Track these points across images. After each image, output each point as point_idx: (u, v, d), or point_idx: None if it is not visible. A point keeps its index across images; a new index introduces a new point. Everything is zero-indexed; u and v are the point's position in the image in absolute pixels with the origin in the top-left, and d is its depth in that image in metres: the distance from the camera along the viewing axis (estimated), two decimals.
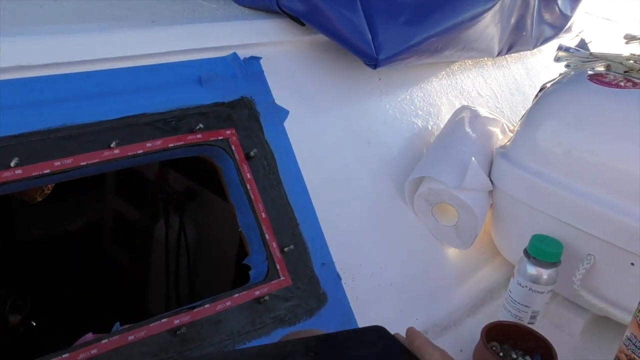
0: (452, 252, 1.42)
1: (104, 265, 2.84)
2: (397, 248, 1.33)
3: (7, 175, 0.91)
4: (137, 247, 2.61)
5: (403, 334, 0.80)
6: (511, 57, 1.96)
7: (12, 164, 0.91)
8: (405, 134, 1.46)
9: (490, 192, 1.38)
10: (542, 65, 2.10)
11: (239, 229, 1.16)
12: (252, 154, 1.14)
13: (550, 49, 1.92)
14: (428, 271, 1.36)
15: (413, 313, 1.27)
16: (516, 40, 1.74)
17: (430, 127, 1.53)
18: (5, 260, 2.47)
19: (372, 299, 1.22)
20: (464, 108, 1.56)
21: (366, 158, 1.36)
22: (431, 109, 1.56)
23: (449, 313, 1.32)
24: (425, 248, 1.38)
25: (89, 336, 1.00)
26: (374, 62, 1.26)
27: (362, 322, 1.15)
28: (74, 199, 2.81)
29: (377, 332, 0.84)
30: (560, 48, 1.67)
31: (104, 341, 0.93)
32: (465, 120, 1.48)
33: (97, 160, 1.00)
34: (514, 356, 1.16)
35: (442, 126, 1.52)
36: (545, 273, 1.21)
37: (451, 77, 1.68)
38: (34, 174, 0.94)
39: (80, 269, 2.79)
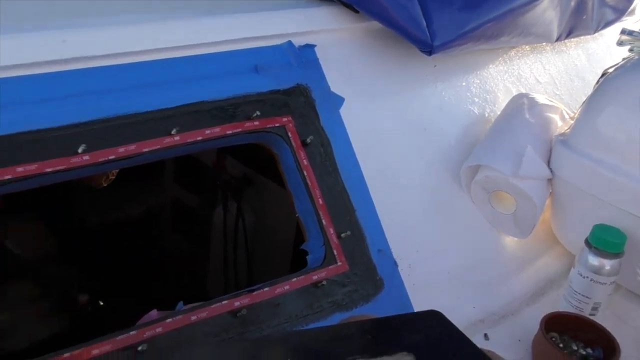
0: (509, 240, 1.40)
1: (163, 250, 2.93)
2: (453, 236, 1.32)
3: (75, 161, 0.96)
4: (196, 233, 2.68)
5: (460, 320, 0.80)
6: (571, 42, 1.90)
7: (79, 150, 0.95)
8: (461, 121, 1.44)
9: (550, 180, 1.35)
10: (603, 50, 2.03)
11: (296, 215, 1.17)
12: (308, 140, 1.15)
13: (612, 33, 1.86)
14: (485, 259, 1.34)
15: (470, 301, 1.26)
16: (576, 24, 1.69)
17: (486, 115, 1.50)
18: (72, 243, 2.58)
19: (428, 286, 1.21)
20: (521, 95, 1.52)
21: (422, 145, 1.35)
22: (487, 96, 1.53)
23: (507, 302, 1.30)
24: (483, 236, 1.36)
25: (154, 313, 1.04)
26: (429, 49, 1.25)
27: (419, 309, 1.15)
28: (135, 187, 2.90)
29: (434, 317, 0.84)
30: (623, 32, 1.61)
31: (168, 320, 0.97)
32: (523, 107, 1.45)
33: (159, 146, 1.03)
34: (575, 348, 1.14)
35: (498, 113, 1.49)
36: (607, 264, 1.18)
37: (508, 63, 1.65)
38: (100, 160, 0.98)
39: (141, 254, 2.88)
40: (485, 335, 1.20)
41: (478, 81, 1.53)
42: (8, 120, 0.92)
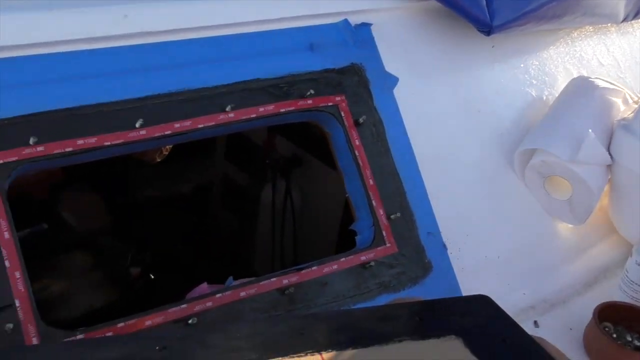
0: (564, 227, 1.37)
1: (212, 227, 2.98)
2: (505, 220, 1.30)
3: (133, 135, 0.98)
4: (244, 210, 2.71)
5: (509, 306, 0.79)
6: (638, 23, 1.83)
7: (137, 125, 0.97)
8: (518, 103, 1.41)
9: (609, 166, 1.31)
10: None
11: (346, 195, 1.17)
12: (361, 120, 1.15)
13: None
14: (538, 245, 1.32)
15: (521, 287, 1.24)
16: None
17: (544, 97, 1.47)
18: (125, 217, 2.65)
19: (478, 270, 1.20)
20: (582, 78, 1.48)
21: (476, 127, 1.33)
22: (546, 78, 1.49)
23: (559, 290, 1.28)
24: (536, 222, 1.34)
25: (204, 286, 1.06)
26: (487, 29, 1.22)
27: (467, 293, 1.14)
28: (187, 164, 2.95)
29: (483, 302, 0.83)
30: None
31: (218, 295, 0.98)
32: (583, 90, 1.40)
33: (213, 123, 1.04)
34: (629, 339, 1.11)
35: (557, 96, 1.45)
36: None
37: (570, 44, 1.59)
38: (156, 134, 1.00)
39: (191, 230, 2.94)
40: (535, 322, 1.18)
41: (537, 63, 1.49)
42: (70, 93, 0.94)
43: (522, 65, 1.46)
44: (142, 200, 2.92)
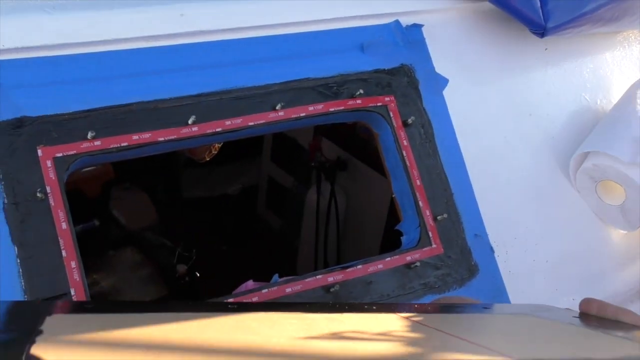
0: (615, 233, 1.33)
1: (257, 227, 3.01)
2: (555, 225, 1.28)
3: (185, 131, 1.00)
4: (289, 211, 2.73)
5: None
6: None
7: (189, 121, 1.00)
8: (571, 107, 1.39)
9: None
10: None
11: (393, 195, 1.17)
12: (409, 121, 1.15)
13: None
14: (588, 251, 1.29)
15: (569, 293, 1.22)
16: None
17: (599, 102, 1.44)
18: (173, 215, 2.70)
19: (525, 274, 1.18)
20: None
21: (527, 131, 1.31)
22: (602, 83, 1.46)
23: (609, 297, 1.24)
24: (586, 227, 1.31)
25: (250, 283, 1.07)
26: (541, 31, 1.20)
27: (514, 297, 1.13)
28: (234, 165, 3.00)
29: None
30: None
31: (264, 290, 1.00)
32: None
33: (263, 121, 1.06)
34: None
35: (613, 102, 1.42)
36: None
37: (627, 48, 1.55)
38: (208, 131, 1.02)
39: (236, 230, 2.98)
40: None
41: (592, 66, 1.46)
42: (128, 90, 0.98)
43: (576, 68, 1.43)
44: (189, 199, 2.98)
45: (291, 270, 2.52)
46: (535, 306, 0.76)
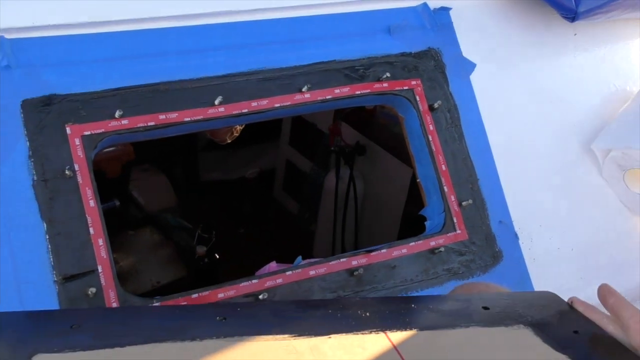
0: None
1: (274, 210, 3.02)
2: (581, 213, 1.26)
3: (211, 112, 1.00)
4: (307, 195, 2.73)
5: (581, 299, 0.76)
6: None
7: (216, 102, 0.99)
8: (600, 93, 1.37)
9: None
10: None
11: (417, 180, 1.16)
12: (435, 105, 1.14)
13: None
14: (615, 240, 1.28)
15: (594, 281, 1.19)
16: None
17: (628, 88, 1.41)
18: (192, 198, 2.72)
19: (550, 262, 1.18)
20: None
21: (554, 117, 1.30)
22: (633, 69, 1.43)
23: (636, 287, 1.24)
24: (613, 216, 1.30)
25: (273, 264, 1.08)
26: (572, 15, 1.18)
27: (538, 284, 1.12)
28: (251, 148, 3.00)
29: (550, 298, 0.80)
30: None
31: (288, 272, 1.00)
32: None
33: (289, 103, 1.05)
34: None
35: None
36: None
37: None
38: (234, 112, 1.02)
39: (253, 213, 2.99)
40: None
41: (623, 52, 1.44)
42: (156, 69, 0.97)
43: (606, 54, 1.41)
44: (207, 182, 2.99)
45: (308, 254, 2.53)
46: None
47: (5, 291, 0.82)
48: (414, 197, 2.13)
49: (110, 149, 1.94)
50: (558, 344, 0.70)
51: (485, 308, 0.79)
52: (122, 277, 1.85)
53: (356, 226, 2.43)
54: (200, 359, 0.58)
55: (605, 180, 1.30)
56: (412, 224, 1.16)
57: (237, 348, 0.62)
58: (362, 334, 0.68)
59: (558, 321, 0.79)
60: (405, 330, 0.71)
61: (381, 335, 0.68)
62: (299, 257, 1.06)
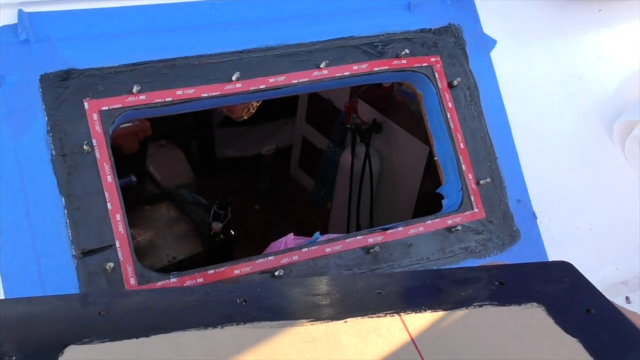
0: None
1: (290, 187, 3.02)
2: (601, 192, 1.25)
3: (229, 88, 0.99)
4: (323, 173, 2.73)
5: (600, 280, 0.76)
6: None
7: (233, 78, 0.99)
8: (623, 71, 1.34)
9: None
10: None
11: (435, 158, 1.16)
12: (455, 82, 1.12)
13: None
14: (634, 220, 1.26)
15: (612, 262, 1.20)
16: None
17: None
18: (206, 174, 2.73)
19: (568, 241, 1.17)
20: None
21: (575, 94, 1.28)
22: None
23: None
24: (634, 195, 1.28)
25: (291, 237, 1.08)
26: None
27: None
28: (268, 125, 3.00)
29: (565, 269, 0.80)
30: None
31: (304, 249, 1.00)
32: None
33: (307, 79, 1.04)
34: None
35: None
36: None
37: None
38: (251, 88, 1.01)
39: (270, 190, 3.00)
40: (627, 298, 1.14)
41: None
42: (173, 44, 0.97)
43: (631, 31, 1.38)
44: (223, 158, 2.99)
45: (323, 231, 2.54)
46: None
47: (25, 265, 0.83)
48: (430, 175, 2.13)
49: (128, 124, 1.95)
50: (570, 325, 0.70)
51: (501, 283, 0.79)
52: (139, 253, 1.86)
53: (372, 204, 2.43)
54: (218, 349, 0.60)
55: (626, 159, 1.28)
56: (428, 203, 1.16)
57: (258, 337, 0.63)
58: (378, 317, 0.69)
59: (572, 297, 0.78)
60: (420, 311, 0.71)
61: (396, 318, 0.69)
62: (317, 233, 1.06)
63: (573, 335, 0.68)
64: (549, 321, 0.71)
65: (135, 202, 2.03)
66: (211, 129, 2.91)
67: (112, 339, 0.57)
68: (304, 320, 0.66)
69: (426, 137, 1.17)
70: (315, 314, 0.68)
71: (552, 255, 1.13)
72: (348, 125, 2.39)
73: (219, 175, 2.90)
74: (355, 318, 0.68)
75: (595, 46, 1.33)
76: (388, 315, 0.69)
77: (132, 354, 0.58)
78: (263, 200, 2.95)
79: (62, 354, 0.55)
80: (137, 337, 0.59)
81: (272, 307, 0.70)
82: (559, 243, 1.15)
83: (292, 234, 1.08)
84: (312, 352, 0.63)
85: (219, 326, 0.63)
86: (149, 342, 0.59)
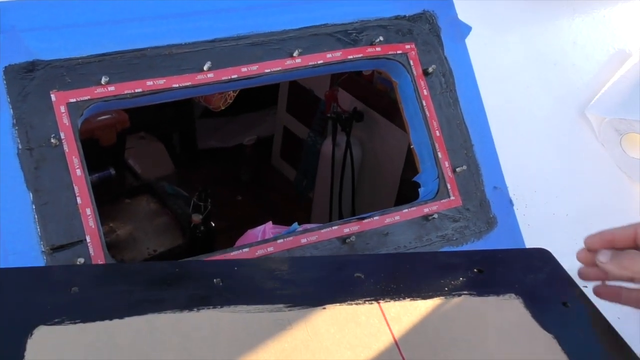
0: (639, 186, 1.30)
1: (271, 178, 3.02)
2: (576, 177, 1.25)
3: (200, 78, 0.98)
4: (304, 163, 2.72)
5: (577, 267, 0.76)
6: None
7: (205, 68, 0.97)
8: (598, 56, 1.34)
9: None
10: None
11: (411, 146, 1.15)
12: (430, 70, 1.12)
13: None
14: (610, 205, 1.27)
15: None
16: None
17: (627, 51, 1.38)
18: (187, 165, 2.71)
19: (544, 227, 1.17)
20: None
21: (550, 80, 1.27)
22: (631, 32, 1.40)
23: None
24: (609, 180, 1.28)
25: (269, 225, 1.07)
26: None
27: None
28: (249, 116, 2.98)
29: (543, 256, 0.80)
30: None
31: (279, 241, 0.99)
32: None
33: (280, 68, 1.03)
34: None
35: None
36: None
37: None
38: (223, 78, 1.00)
39: (251, 180, 2.99)
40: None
41: (621, 13, 1.40)
42: (142, 34, 0.95)
43: (605, 16, 1.37)
44: (204, 149, 2.98)
45: (305, 221, 2.53)
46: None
47: None
48: (412, 164, 2.12)
49: (105, 116, 1.93)
50: (547, 320, 0.71)
51: (480, 271, 0.79)
52: (119, 246, 1.85)
53: (353, 193, 2.43)
54: (193, 333, 0.59)
55: (601, 144, 1.28)
56: (409, 190, 1.15)
57: (234, 322, 0.62)
58: (357, 304, 0.68)
59: (549, 289, 0.79)
60: (399, 299, 0.71)
61: (375, 306, 0.69)
62: (295, 224, 1.05)
63: (549, 332, 0.68)
64: (527, 315, 0.71)
65: (115, 195, 2.01)
66: (192, 120, 2.89)
67: (84, 320, 0.55)
68: (281, 305, 0.65)
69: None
70: (293, 298, 0.67)
71: (530, 242, 1.13)
72: (329, 115, 2.38)
73: (201, 166, 2.89)
74: (334, 305, 0.67)
75: (570, 32, 1.32)
76: (367, 302, 0.69)
77: (106, 337, 0.56)
78: (245, 191, 2.94)
79: (32, 335, 0.53)
80: (111, 319, 0.57)
81: (250, 289, 0.69)
82: (535, 229, 1.15)
83: (270, 222, 1.07)
84: (289, 341, 0.62)
85: (195, 309, 0.62)
86: (123, 325, 0.58)
